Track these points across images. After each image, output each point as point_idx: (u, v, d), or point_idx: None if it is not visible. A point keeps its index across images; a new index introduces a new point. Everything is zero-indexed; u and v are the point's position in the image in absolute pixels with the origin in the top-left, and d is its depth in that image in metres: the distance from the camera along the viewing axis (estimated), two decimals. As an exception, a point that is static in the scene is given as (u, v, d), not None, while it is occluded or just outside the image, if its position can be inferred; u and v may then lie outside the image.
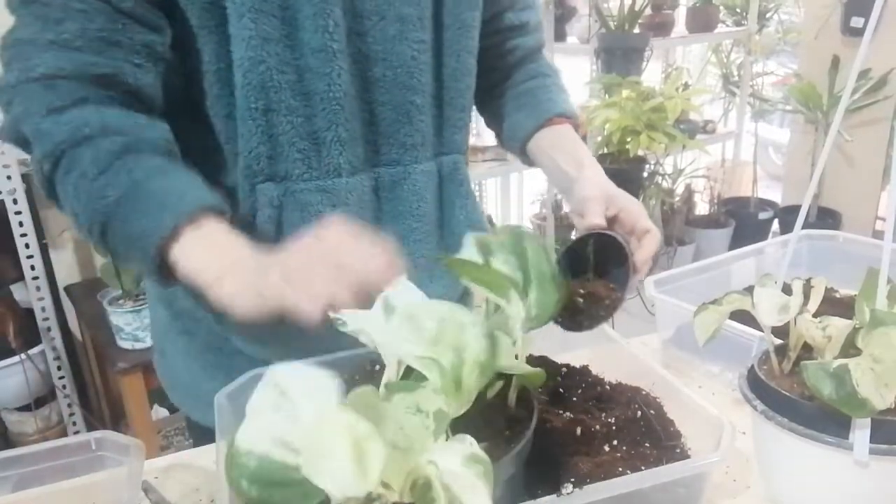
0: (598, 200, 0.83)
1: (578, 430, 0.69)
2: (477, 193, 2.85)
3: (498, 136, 1.09)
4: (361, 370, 0.69)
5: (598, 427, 0.70)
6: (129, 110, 0.75)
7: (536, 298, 0.64)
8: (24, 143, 0.74)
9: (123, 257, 0.73)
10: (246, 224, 0.82)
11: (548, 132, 0.99)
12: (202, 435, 0.93)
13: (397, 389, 0.49)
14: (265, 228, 0.83)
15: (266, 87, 0.78)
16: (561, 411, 0.72)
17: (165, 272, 0.70)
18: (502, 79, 1.06)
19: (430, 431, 0.48)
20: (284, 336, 0.83)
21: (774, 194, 3.78)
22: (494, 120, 1.08)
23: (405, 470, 0.46)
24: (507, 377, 0.63)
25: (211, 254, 0.68)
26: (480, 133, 2.85)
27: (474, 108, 1.03)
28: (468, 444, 0.47)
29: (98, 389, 2.33)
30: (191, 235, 0.68)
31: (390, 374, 0.56)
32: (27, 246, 1.95)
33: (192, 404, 0.97)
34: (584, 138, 3.35)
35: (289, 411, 0.47)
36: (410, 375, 0.54)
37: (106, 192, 0.70)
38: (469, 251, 0.65)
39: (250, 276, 0.66)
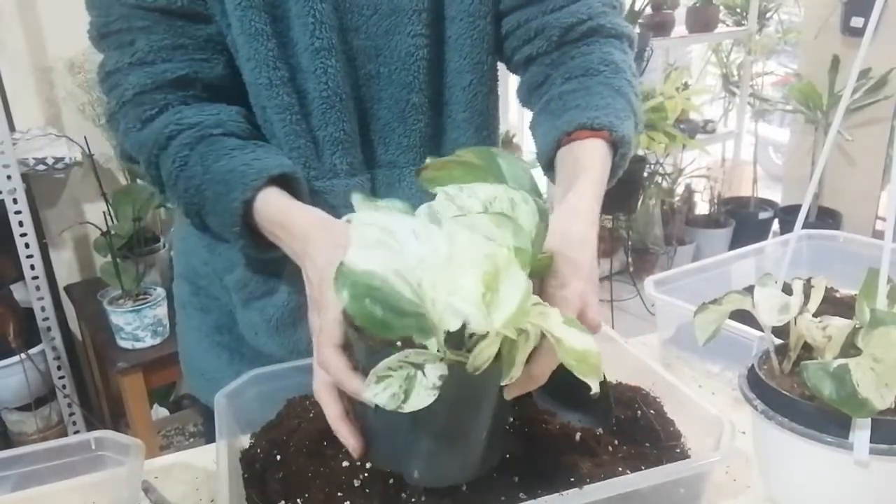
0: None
1: (578, 431, 0.69)
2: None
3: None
4: None
5: (598, 427, 0.70)
6: (206, 103, 0.80)
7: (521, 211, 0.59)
8: (132, 159, 0.82)
9: (229, 236, 0.77)
10: None
11: (564, 152, 0.76)
12: (211, 425, 0.93)
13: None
14: None
15: (257, 84, 0.80)
16: (561, 411, 0.72)
17: (260, 239, 0.75)
18: (543, 77, 0.85)
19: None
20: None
21: (774, 194, 3.78)
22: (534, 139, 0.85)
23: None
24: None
25: (281, 226, 0.72)
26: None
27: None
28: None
29: (98, 389, 2.33)
30: (261, 203, 0.73)
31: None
32: (27, 246, 1.95)
33: (200, 383, 0.99)
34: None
35: (394, 248, 0.46)
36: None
37: (189, 186, 0.77)
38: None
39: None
